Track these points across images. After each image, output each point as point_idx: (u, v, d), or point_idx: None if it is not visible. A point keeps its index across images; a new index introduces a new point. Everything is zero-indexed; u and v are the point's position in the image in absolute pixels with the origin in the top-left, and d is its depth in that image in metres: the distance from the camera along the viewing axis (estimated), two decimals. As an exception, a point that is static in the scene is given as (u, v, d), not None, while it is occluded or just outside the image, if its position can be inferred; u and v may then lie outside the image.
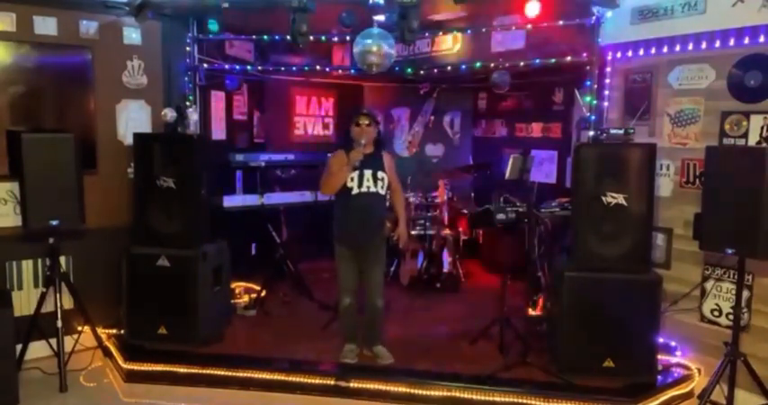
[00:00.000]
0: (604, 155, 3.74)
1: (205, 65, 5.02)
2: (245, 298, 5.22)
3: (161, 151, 4.21)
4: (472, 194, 6.78)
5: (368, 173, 3.83)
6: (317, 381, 3.75)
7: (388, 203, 4.14)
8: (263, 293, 5.14)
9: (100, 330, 4.34)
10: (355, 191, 3.82)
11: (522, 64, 4.76)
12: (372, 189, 3.84)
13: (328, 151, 4.22)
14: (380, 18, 4.37)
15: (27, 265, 4.27)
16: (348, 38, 4.67)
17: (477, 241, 6.48)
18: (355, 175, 3.80)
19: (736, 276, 3.48)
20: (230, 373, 3.83)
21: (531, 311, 4.45)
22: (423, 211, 5.97)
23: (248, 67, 5.51)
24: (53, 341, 3.96)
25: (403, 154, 7.22)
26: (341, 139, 4.04)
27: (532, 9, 4.23)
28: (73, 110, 4.44)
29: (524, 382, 3.66)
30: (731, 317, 3.52)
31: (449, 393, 3.62)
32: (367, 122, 3.85)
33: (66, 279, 4.11)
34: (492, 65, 4.96)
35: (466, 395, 3.60)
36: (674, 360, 3.96)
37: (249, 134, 6.27)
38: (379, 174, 3.86)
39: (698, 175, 3.91)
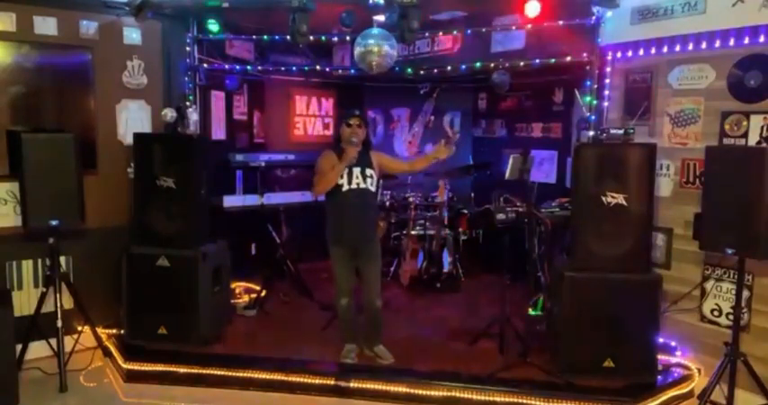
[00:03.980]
0: (604, 155, 3.74)
1: (205, 65, 5.03)
2: (245, 298, 5.23)
3: (161, 151, 4.20)
4: (472, 194, 6.77)
5: (356, 170, 3.86)
6: (317, 381, 3.75)
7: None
8: (263, 293, 5.14)
9: (100, 330, 4.34)
10: (345, 188, 3.85)
11: (522, 64, 4.76)
12: (362, 185, 3.87)
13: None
14: (380, 18, 4.37)
15: (27, 265, 4.27)
16: (348, 38, 4.67)
17: (477, 241, 6.48)
18: (344, 172, 3.83)
19: (736, 276, 3.48)
20: (230, 373, 3.83)
21: (531, 311, 4.45)
22: (423, 211, 5.97)
23: (248, 67, 5.51)
24: (53, 341, 3.96)
25: (403, 154, 7.22)
26: (336, 139, 4.07)
27: (533, 9, 4.23)
28: (73, 110, 4.44)
29: (524, 382, 3.66)
30: (731, 317, 3.52)
31: (449, 393, 3.62)
32: (358, 123, 3.89)
33: (66, 279, 4.11)
34: (492, 65, 4.96)
35: (466, 395, 3.60)
36: (674, 360, 3.96)
37: (249, 134, 6.27)
38: (368, 171, 3.89)
39: (698, 175, 3.91)
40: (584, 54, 4.32)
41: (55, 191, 3.83)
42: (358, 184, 3.86)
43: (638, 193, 3.63)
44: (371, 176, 3.91)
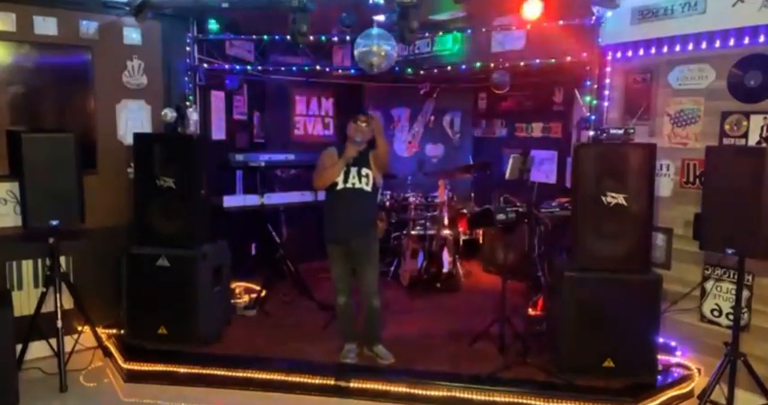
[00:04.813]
0: (604, 155, 3.74)
1: (205, 65, 5.02)
2: (245, 298, 5.23)
3: (161, 151, 4.21)
4: (472, 194, 6.77)
5: (353, 170, 3.90)
6: (317, 381, 3.75)
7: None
8: (263, 293, 5.14)
9: (100, 330, 4.34)
10: (340, 186, 3.89)
11: (522, 64, 4.76)
12: (357, 185, 3.90)
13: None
14: (380, 18, 4.37)
15: (27, 265, 4.27)
16: (348, 38, 4.67)
17: (477, 241, 6.49)
18: (341, 171, 3.87)
19: (736, 276, 3.48)
20: (230, 373, 3.84)
21: (531, 311, 4.45)
22: (423, 211, 5.97)
23: (248, 67, 5.51)
24: (53, 341, 3.95)
25: (403, 154, 7.23)
26: (341, 138, 4.10)
27: (532, 10, 4.22)
28: (73, 110, 4.43)
29: (524, 382, 3.66)
30: (731, 317, 3.52)
31: (449, 393, 3.62)
32: (364, 122, 3.91)
33: (66, 279, 4.11)
34: (492, 65, 4.95)
35: (466, 395, 3.61)
36: (674, 360, 3.96)
37: (249, 134, 6.27)
38: (364, 170, 3.91)
39: (698, 175, 3.91)
40: (584, 54, 4.32)
41: (55, 191, 3.83)
42: (353, 183, 3.89)
43: (638, 193, 3.63)
44: (367, 176, 3.92)
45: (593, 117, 4.28)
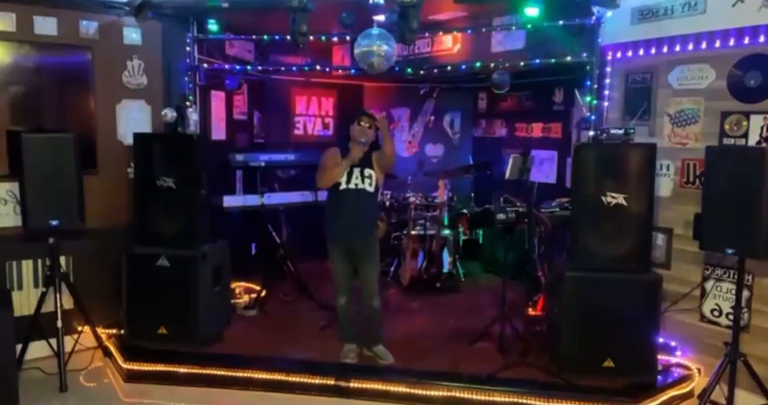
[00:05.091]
0: (604, 155, 3.74)
1: (205, 65, 5.03)
2: (245, 298, 5.23)
3: (161, 151, 4.21)
4: (472, 194, 6.78)
5: (357, 170, 3.91)
6: (317, 381, 3.75)
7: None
8: (263, 293, 5.14)
9: (100, 330, 4.34)
10: (343, 186, 3.90)
11: (522, 64, 4.76)
12: (360, 186, 3.91)
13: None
14: (380, 18, 4.37)
15: (27, 265, 4.27)
16: (348, 38, 4.67)
17: (477, 241, 6.49)
18: (345, 171, 3.88)
19: (736, 276, 3.48)
20: (230, 373, 3.84)
21: (531, 311, 4.45)
22: (423, 211, 5.97)
23: (248, 67, 5.52)
24: (53, 341, 3.95)
25: (403, 154, 7.23)
26: (342, 138, 4.11)
27: (532, 10, 4.22)
28: (73, 110, 4.44)
29: (524, 382, 3.66)
30: (731, 317, 3.52)
31: (449, 393, 3.62)
32: (368, 124, 3.93)
33: (66, 279, 4.10)
34: (492, 65, 4.96)
35: (466, 395, 3.60)
36: (674, 360, 3.96)
37: (249, 134, 6.28)
38: (367, 171, 3.93)
39: (698, 175, 3.91)
40: (584, 54, 4.32)
41: (55, 191, 3.82)
42: (356, 184, 3.90)
43: (638, 193, 3.63)
44: (370, 177, 3.93)
45: (593, 117, 4.29)
